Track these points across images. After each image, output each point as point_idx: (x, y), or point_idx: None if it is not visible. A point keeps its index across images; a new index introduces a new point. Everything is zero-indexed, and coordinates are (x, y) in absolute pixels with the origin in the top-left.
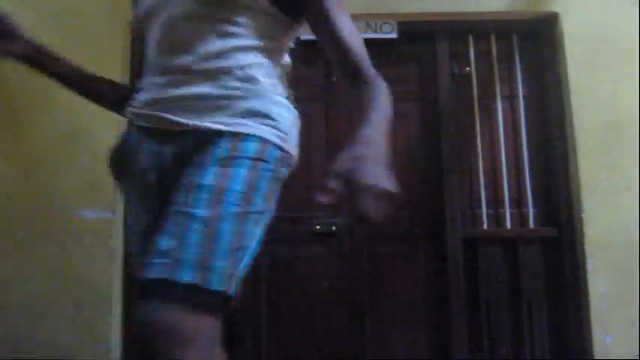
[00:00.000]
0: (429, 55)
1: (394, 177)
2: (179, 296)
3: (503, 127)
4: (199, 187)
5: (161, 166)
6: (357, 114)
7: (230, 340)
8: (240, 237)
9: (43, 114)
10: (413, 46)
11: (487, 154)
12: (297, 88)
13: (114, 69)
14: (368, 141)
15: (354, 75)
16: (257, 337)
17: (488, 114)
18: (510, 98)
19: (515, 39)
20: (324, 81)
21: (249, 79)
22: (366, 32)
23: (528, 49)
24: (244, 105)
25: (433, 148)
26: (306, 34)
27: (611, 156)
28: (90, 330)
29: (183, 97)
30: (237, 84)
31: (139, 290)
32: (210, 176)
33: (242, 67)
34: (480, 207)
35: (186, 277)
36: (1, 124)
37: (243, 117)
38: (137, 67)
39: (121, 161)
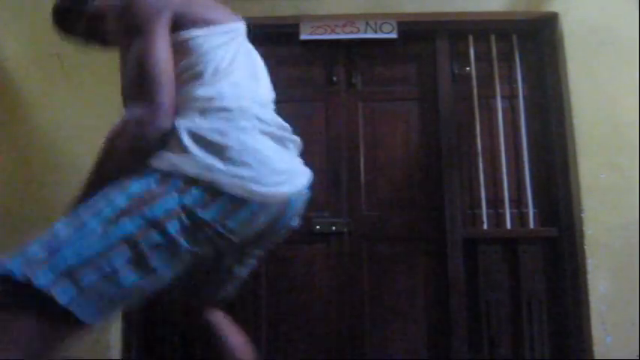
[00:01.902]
0: (429, 55)
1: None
2: None
3: (503, 127)
4: None
5: None
6: None
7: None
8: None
9: (43, 114)
10: (413, 46)
11: (487, 154)
12: (298, 88)
13: (114, 70)
14: None
15: None
16: (257, 337)
17: (489, 114)
18: (510, 98)
19: (515, 39)
20: (324, 81)
21: None
22: (366, 32)
23: (528, 49)
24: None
25: (433, 148)
26: (305, 34)
27: (611, 156)
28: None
29: None
30: None
31: None
32: None
33: None
34: (480, 207)
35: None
36: (1, 125)
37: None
38: None
39: None
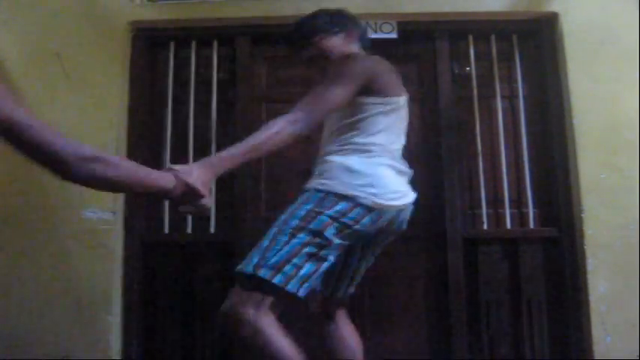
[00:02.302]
0: (429, 55)
1: None
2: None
3: (503, 127)
4: None
5: None
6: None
7: (230, 341)
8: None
9: (42, 114)
10: (413, 46)
11: (487, 154)
12: (298, 88)
13: (114, 70)
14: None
15: None
16: None
17: (489, 114)
18: (510, 98)
19: (515, 39)
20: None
21: None
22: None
23: (528, 49)
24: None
25: (433, 148)
26: None
27: (611, 156)
28: (90, 330)
29: None
30: None
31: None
32: None
33: None
34: (480, 207)
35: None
36: None
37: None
38: (136, 68)
39: None
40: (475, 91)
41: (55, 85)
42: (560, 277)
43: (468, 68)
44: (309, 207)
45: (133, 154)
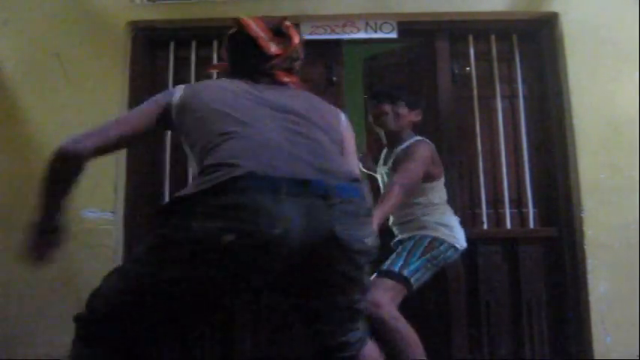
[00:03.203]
0: (429, 55)
1: None
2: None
3: (503, 127)
4: None
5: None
6: None
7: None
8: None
9: (43, 114)
10: (413, 46)
11: (487, 154)
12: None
13: (114, 70)
14: None
15: None
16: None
17: (488, 114)
18: (510, 98)
19: (515, 39)
20: (324, 81)
21: None
22: (366, 32)
23: (528, 49)
24: None
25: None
26: (305, 34)
27: (611, 156)
28: None
29: None
30: None
31: None
32: None
33: None
34: (480, 207)
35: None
36: (1, 124)
37: None
38: (136, 67)
39: None
40: (475, 91)
41: (55, 85)
42: (560, 277)
43: (468, 68)
44: (427, 242)
45: (132, 154)
